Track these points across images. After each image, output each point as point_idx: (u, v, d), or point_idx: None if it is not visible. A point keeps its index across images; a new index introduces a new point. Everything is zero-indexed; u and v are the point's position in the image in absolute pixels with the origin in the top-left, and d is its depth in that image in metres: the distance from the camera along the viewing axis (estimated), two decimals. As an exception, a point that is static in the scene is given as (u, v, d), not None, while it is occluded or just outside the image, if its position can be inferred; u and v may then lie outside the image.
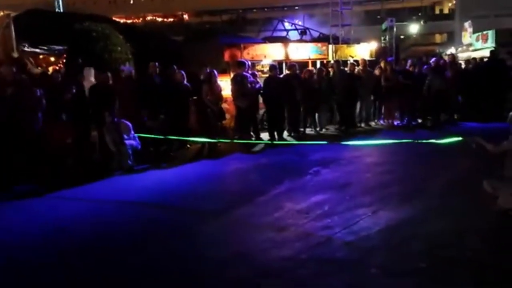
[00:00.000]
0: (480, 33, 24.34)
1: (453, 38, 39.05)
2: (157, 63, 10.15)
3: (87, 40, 11.11)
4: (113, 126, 8.84)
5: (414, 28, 41.28)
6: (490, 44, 21.89)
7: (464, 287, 3.82)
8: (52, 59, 12.30)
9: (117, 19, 27.15)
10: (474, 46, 24.83)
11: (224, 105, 11.28)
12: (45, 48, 12.20)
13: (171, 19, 51.64)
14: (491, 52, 14.04)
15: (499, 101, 12.74)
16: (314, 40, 20.78)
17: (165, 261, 4.75)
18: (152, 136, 9.31)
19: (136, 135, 9.10)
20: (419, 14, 48.41)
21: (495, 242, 4.71)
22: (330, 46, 15.27)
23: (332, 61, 13.99)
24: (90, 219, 6.23)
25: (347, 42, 18.08)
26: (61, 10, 35.23)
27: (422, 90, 12.62)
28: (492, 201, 5.44)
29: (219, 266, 4.54)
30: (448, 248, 4.62)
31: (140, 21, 48.84)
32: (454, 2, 44.51)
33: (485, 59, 15.08)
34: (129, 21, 42.26)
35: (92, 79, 10.19)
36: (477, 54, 20.79)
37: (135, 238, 5.44)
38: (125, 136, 8.87)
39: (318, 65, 14.23)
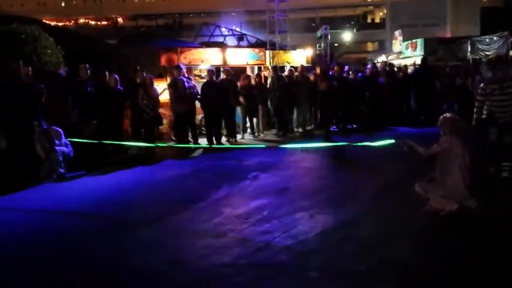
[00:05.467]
0: (409, 42, 25.49)
1: (384, 46, 40.59)
2: (87, 65, 9.81)
3: (15, 42, 10.57)
4: (43, 133, 8.44)
5: (347, 36, 42.59)
6: (419, 52, 22.96)
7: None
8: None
9: (48, 22, 26.13)
10: (404, 54, 25.96)
11: (161, 110, 11.10)
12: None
13: (105, 23, 50.43)
14: (422, 59, 14.63)
15: (429, 107, 13.31)
16: (251, 45, 20.92)
17: (95, 272, 4.56)
18: (85, 141, 8.97)
19: (68, 140, 8.74)
20: (352, 22, 49.99)
21: (426, 243, 4.84)
22: (267, 52, 15.40)
23: (269, 67, 14.13)
24: (16, 229, 5.91)
25: (284, 48, 18.34)
26: (-14, 12, 33.46)
27: (358, 96, 12.95)
28: (423, 203, 5.63)
29: (154, 275, 4.39)
30: (381, 249, 4.72)
31: (72, 24, 47.33)
32: (385, 11, 46.26)
33: (415, 66, 15.76)
34: (60, 24, 40.80)
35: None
36: (406, 62, 21.73)
37: (64, 251, 5.14)
38: (56, 142, 8.49)
39: (256, 71, 14.32)
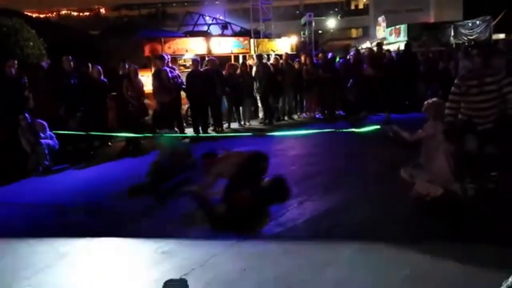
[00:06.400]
0: (393, 28, 25.60)
1: (368, 32, 40.63)
2: (70, 57, 9.72)
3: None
4: (27, 127, 8.38)
5: (331, 23, 42.47)
6: (403, 37, 23.06)
7: (387, 273, 3.96)
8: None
9: (30, 14, 25.74)
10: (388, 40, 26.04)
11: (146, 101, 11.02)
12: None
13: (87, 13, 49.78)
14: (406, 45, 14.67)
15: (414, 92, 13.37)
16: (235, 34, 20.84)
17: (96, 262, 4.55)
18: (72, 133, 8.92)
19: (53, 133, 8.69)
20: (336, 9, 49.91)
21: (412, 229, 4.90)
22: (252, 41, 15.36)
23: (254, 55, 14.10)
24: (5, 223, 5.89)
25: (268, 36, 18.30)
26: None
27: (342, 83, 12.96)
28: (409, 188, 5.68)
29: (148, 265, 4.42)
30: (369, 235, 4.77)
31: (54, 15, 46.66)
32: (368, -3, 46.24)
33: (399, 52, 15.80)
34: (42, 16, 40.21)
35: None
36: (390, 48, 21.82)
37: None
38: (41, 135, 8.44)
39: (241, 59, 14.28)
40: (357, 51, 14.82)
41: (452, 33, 21.70)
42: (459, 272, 3.89)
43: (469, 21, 21.15)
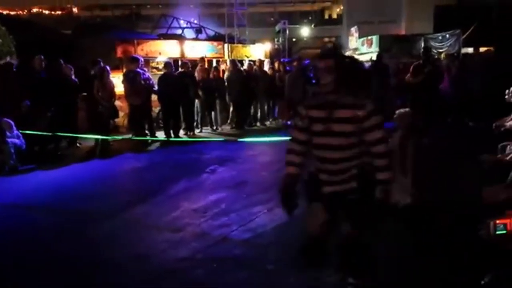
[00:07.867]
0: (365, 38, 25.95)
1: (340, 42, 41.08)
2: (42, 56, 9.54)
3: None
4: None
5: (305, 31, 42.91)
6: (374, 48, 23.39)
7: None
8: None
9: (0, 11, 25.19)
10: (360, 50, 26.39)
11: (117, 103, 10.88)
12: None
13: (59, 12, 48.96)
14: (378, 55, 14.87)
15: (383, 102, 13.54)
16: (209, 38, 20.81)
17: (55, 266, 4.45)
18: (38, 133, 8.74)
19: (20, 132, 8.49)
20: (310, 18, 50.42)
21: (384, 235, 4.91)
22: (226, 46, 15.36)
23: (227, 61, 14.10)
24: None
25: (243, 42, 18.35)
26: None
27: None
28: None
29: (111, 270, 4.34)
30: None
31: (25, 13, 45.78)
32: (341, 7, 46.82)
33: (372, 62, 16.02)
34: (13, 13, 39.38)
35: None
36: (362, 58, 22.11)
37: (21, 245, 5.00)
38: (8, 134, 8.24)
39: (214, 64, 14.26)
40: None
41: (423, 45, 22.10)
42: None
43: (439, 34, 21.59)
